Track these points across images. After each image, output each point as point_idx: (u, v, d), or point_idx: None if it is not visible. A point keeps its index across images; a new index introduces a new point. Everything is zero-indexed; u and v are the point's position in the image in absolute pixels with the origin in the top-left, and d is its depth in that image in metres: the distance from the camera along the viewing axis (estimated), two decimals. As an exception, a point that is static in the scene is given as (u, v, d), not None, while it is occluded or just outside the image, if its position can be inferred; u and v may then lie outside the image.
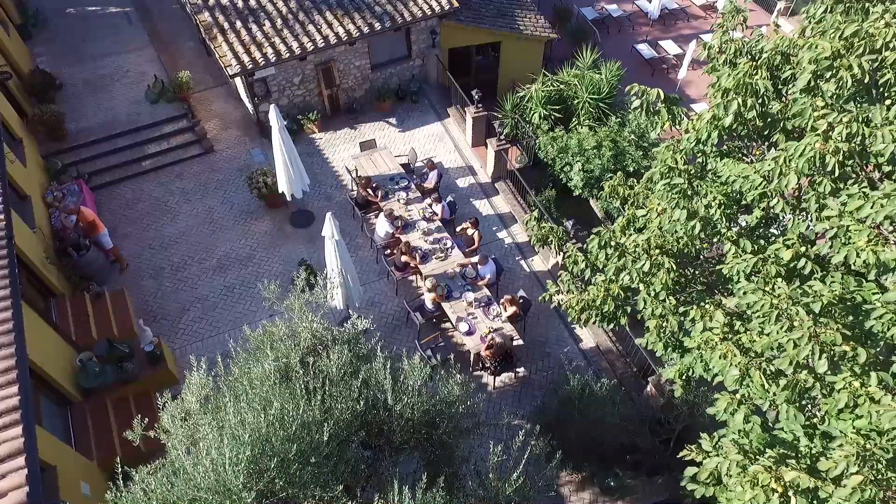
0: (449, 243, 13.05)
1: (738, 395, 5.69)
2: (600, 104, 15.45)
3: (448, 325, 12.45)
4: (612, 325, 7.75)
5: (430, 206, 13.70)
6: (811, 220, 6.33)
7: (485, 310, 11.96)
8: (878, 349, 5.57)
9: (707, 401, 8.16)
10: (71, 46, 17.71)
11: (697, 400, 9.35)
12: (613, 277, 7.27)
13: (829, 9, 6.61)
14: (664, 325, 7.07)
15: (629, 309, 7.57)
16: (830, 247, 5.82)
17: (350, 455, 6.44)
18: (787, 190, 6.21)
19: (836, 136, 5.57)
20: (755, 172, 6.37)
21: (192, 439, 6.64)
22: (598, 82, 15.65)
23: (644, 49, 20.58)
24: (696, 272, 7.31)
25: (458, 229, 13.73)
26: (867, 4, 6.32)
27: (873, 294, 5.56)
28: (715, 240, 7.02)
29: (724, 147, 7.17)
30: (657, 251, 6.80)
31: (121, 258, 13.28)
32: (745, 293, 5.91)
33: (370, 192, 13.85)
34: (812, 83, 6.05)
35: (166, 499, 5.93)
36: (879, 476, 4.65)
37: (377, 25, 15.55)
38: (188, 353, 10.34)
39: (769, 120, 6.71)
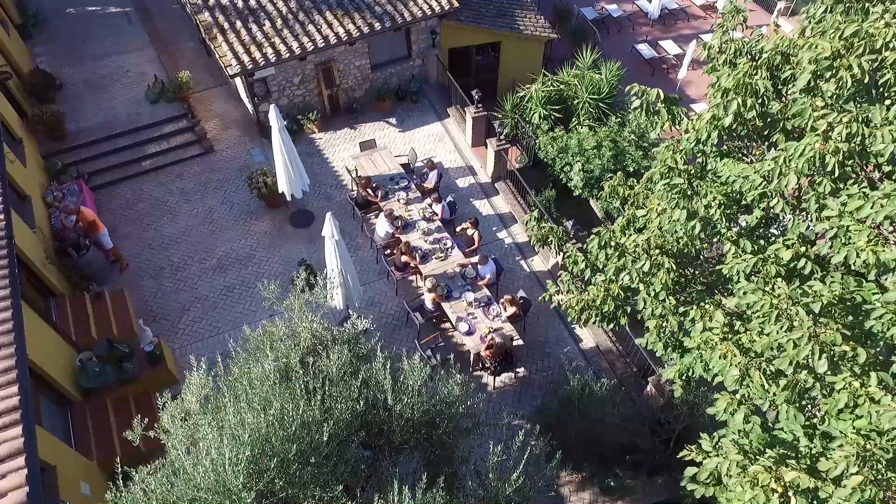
0: (449, 243, 13.04)
1: (737, 396, 5.69)
2: (600, 104, 15.45)
3: (448, 325, 12.45)
4: (612, 326, 7.75)
5: (430, 206, 13.70)
6: (811, 221, 6.33)
7: (485, 310, 11.96)
8: (877, 349, 5.57)
9: (707, 401, 8.16)
10: (71, 46, 17.70)
11: (697, 400, 9.35)
12: (613, 277, 7.27)
13: (829, 9, 6.61)
14: (664, 325, 7.07)
15: (629, 309, 7.57)
16: (830, 247, 5.82)
17: (350, 455, 6.44)
18: (787, 190, 6.21)
19: (836, 136, 5.56)
20: (755, 172, 6.37)
21: (191, 439, 6.64)
22: (598, 82, 15.64)
23: (644, 49, 20.57)
24: (696, 272, 7.31)
25: (458, 229, 13.72)
26: (867, 4, 6.32)
27: (873, 294, 5.55)
28: (715, 240, 7.02)
29: (724, 147, 7.17)
30: (657, 251, 6.80)
31: (121, 258, 13.28)
32: (744, 293, 5.91)
33: (370, 192, 13.84)
34: (812, 83, 6.05)
35: (166, 499, 5.93)
36: (879, 476, 4.65)
37: (377, 25, 15.55)
38: (188, 353, 10.33)
39: (769, 120, 6.71)
